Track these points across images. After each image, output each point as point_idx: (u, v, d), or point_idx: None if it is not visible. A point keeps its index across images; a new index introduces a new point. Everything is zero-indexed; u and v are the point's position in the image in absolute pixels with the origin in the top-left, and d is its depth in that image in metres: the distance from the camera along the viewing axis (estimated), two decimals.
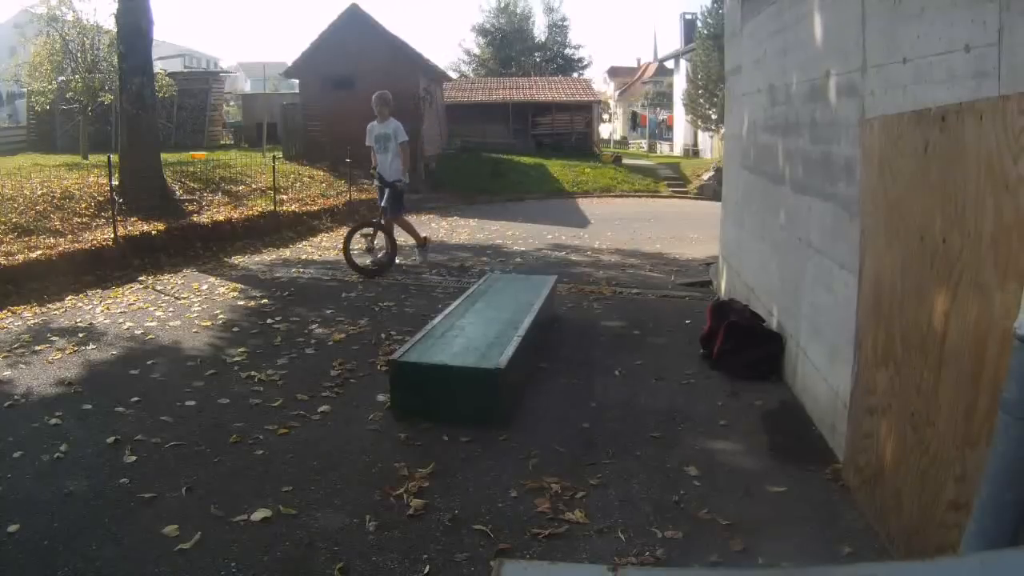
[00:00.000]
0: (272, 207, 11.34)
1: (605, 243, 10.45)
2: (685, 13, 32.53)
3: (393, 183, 7.64)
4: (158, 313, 5.96)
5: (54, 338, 5.18)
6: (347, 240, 7.49)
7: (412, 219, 13.88)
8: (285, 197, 12.49)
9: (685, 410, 3.94)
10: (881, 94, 2.90)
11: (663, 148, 33.41)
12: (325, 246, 10.09)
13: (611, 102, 43.65)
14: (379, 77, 17.60)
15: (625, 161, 24.57)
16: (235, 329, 5.56)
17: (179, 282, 7.32)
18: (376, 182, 7.89)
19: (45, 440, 3.47)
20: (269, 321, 5.74)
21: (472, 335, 4.28)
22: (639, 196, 19.32)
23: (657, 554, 2.57)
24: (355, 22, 18.15)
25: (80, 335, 5.26)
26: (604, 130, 37.55)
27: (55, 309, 6.09)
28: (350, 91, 17.89)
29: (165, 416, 3.79)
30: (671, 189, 20.56)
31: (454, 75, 28.28)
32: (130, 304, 6.28)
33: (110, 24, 13.66)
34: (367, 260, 7.65)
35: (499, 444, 3.49)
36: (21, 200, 8.67)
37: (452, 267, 8.47)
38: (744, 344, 4.49)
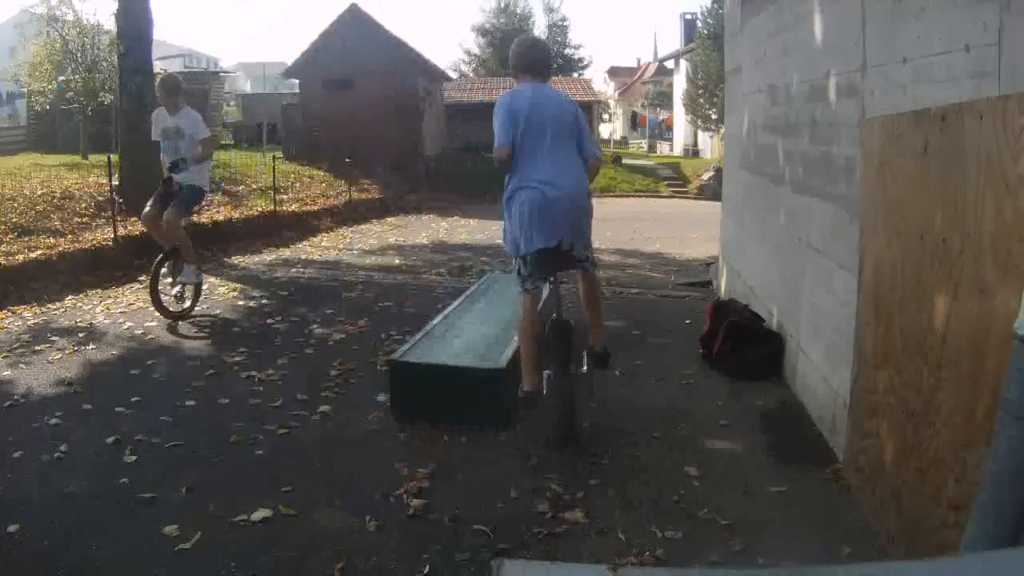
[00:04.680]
0: (272, 207, 11.34)
1: (605, 243, 10.42)
2: (685, 13, 32.55)
3: (191, 186, 5.77)
4: (158, 313, 5.95)
5: (54, 338, 5.18)
6: (153, 284, 5.62)
7: (412, 219, 13.95)
8: (285, 197, 12.50)
9: (685, 410, 3.94)
10: (881, 94, 2.90)
11: (663, 148, 33.40)
12: (325, 246, 10.10)
13: (611, 102, 43.62)
14: (379, 77, 17.68)
15: (625, 161, 24.57)
16: (235, 329, 5.56)
17: None
18: (161, 188, 5.76)
19: (45, 440, 3.46)
20: (269, 321, 5.74)
21: (472, 335, 4.28)
22: (639, 196, 19.33)
23: (657, 554, 2.57)
24: (355, 22, 18.17)
25: (80, 335, 5.26)
26: (604, 130, 37.56)
27: (55, 309, 6.08)
28: (350, 91, 17.92)
29: (165, 416, 3.79)
30: (671, 189, 20.58)
31: (454, 75, 28.26)
32: (130, 304, 6.27)
33: (110, 24, 13.66)
34: (184, 305, 5.89)
35: (499, 444, 3.49)
36: (21, 200, 8.66)
37: (452, 267, 8.47)
38: (744, 344, 4.49)
